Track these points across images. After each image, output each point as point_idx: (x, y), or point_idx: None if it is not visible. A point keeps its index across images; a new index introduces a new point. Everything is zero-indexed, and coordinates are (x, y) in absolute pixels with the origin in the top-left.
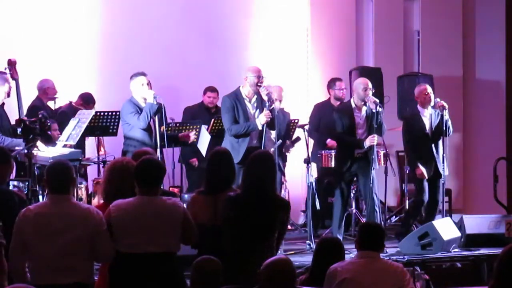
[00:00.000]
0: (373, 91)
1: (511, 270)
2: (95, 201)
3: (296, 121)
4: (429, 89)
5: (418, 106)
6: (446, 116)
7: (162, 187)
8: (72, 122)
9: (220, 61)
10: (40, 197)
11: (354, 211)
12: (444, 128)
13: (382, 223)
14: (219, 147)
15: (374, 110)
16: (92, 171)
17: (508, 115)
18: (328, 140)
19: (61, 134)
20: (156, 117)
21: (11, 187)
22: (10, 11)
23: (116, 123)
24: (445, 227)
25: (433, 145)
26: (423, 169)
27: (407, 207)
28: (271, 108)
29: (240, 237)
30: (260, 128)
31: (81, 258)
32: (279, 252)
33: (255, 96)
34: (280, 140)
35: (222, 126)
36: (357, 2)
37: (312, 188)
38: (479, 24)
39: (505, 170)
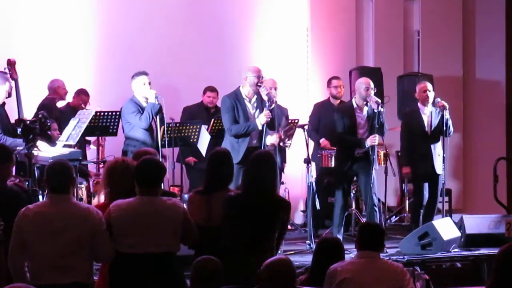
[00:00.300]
0: (375, 90)
1: (508, 269)
2: (95, 201)
3: (296, 121)
4: (429, 87)
5: (419, 104)
6: (447, 116)
7: (162, 187)
8: (72, 122)
9: (220, 61)
10: (40, 197)
11: (354, 211)
12: (444, 128)
13: (382, 223)
14: (219, 147)
15: (375, 110)
16: (92, 171)
17: (508, 115)
18: (322, 140)
19: (61, 134)
20: (157, 117)
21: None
22: (9, 11)
23: (116, 123)
24: (445, 227)
25: (431, 144)
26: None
27: (407, 208)
28: (271, 108)
29: (240, 237)
30: (260, 128)
31: (81, 258)
32: (279, 252)
33: (255, 96)
34: (276, 133)
35: (222, 126)
36: (357, 2)
37: (312, 188)
38: (479, 24)
39: (505, 170)
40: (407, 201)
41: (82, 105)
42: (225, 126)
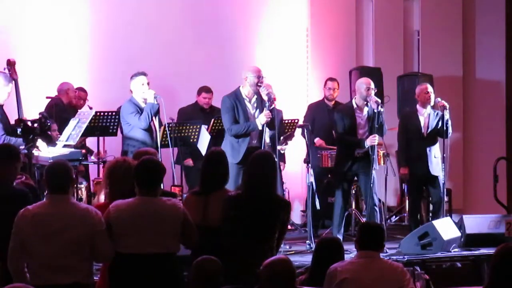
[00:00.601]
0: (376, 90)
1: (505, 268)
2: (95, 201)
3: (296, 121)
4: (430, 89)
5: (418, 105)
6: (447, 116)
7: (163, 187)
8: (72, 122)
9: (220, 61)
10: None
11: (354, 211)
12: (444, 128)
13: (382, 223)
14: (215, 147)
15: (375, 110)
16: (92, 171)
17: (508, 115)
18: (317, 140)
19: (60, 134)
20: (157, 117)
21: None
22: (9, 11)
23: (116, 123)
24: (445, 227)
25: (427, 146)
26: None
27: (407, 208)
28: (271, 108)
29: (241, 237)
30: (260, 128)
31: (80, 258)
32: (279, 252)
33: (255, 96)
34: (274, 132)
35: (222, 126)
36: (357, 2)
37: (312, 188)
38: (479, 24)
39: (505, 170)
40: (407, 201)
41: (81, 101)
42: (225, 126)
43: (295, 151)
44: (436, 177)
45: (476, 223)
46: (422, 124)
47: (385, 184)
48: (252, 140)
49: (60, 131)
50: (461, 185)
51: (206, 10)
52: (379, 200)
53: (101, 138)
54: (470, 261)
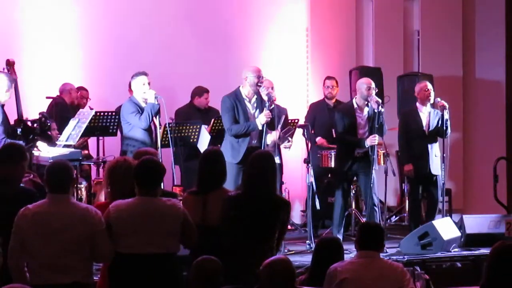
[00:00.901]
0: (376, 90)
1: (502, 266)
2: (95, 201)
3: (296, 121)
4: (429, 86)
5: (417, 103)
6: (446, 116)
7: (163, 187)
8: (72, 122)
9: (219, 61)
10: None
11: (354, 211)
12: (443, 128)
13: (382, 223)
14: (212, 146)
15: (376, 110)
16: (92, 171)
17: (508, 115)
18: (318, 139)
19: (60, 134)
20: (157, 117)
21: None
22: (9, 11)
23: (115, 123)
24: (445, 227)
25: (428, 144)
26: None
27: (407, 208)
28: (271, 108)
29: (240, 237)
30: (260, 128)
31: (80, 258)
32: (279, 251)
33: (255, 96)
34: (277, 132)
35: (222, 126)
36: (357, 2)
37: (312, 188)
38: (479, 24)
39: (505, 170)
40: (407, 201)
41: (84, 100)
42: (225, 126)
43: (295, 151)
44: (435, 177)
45: (476, 223)
46: (423, 122)
47: (385, 184)
48: (252, 140)
49: (63, 130)
50: (461, 185)
51: (206, 10)
52: (379, 200)
53: (101, 138)
54: (470, 261)
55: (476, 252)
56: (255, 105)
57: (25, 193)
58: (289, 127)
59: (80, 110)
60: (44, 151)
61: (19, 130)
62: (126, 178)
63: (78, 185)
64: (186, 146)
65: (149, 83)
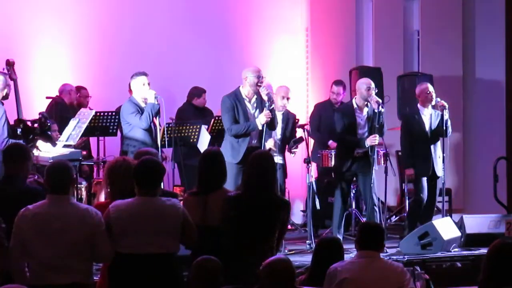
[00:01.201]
0: (376, 91)
1: (500, 264)
2: (95, 201)
3: (296, 121)
4: (431, 88)
5: (419, 105)
6: (446, 116)
7: (163, 187)
8: (72, 122)
9: (219, 61)
10: None
11: (354, 211)
12: (444, 128)
13: (382, 223)
14: (211, 147)
15: (376, 110)
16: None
17: (508, 115)
18: (330, 142)
19: (60, 134)
20: (157, 117)
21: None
22: (9, 11)
23: (116, 123)
24: (445, 227)
25: (431, 146)
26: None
27: (407, 208)
28: (271, 108)
29: (241, 237)
30: (260, 128)
31: (80, 258)
32: (279, 252)
33: (255, 96)
34: (280, 137)
35: (222, 126)
36: (357, 2)
37: (312, 188)
38: (479, 24)
39: (505, 170)
40: (407, 201)
41: (86, 99)
42: (225, 126)
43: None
44: (437, 178)
45: (476, 223)
46: (426, 124)
47: (385, 184)
48: (252, 140)
49: (62, 130)
50: (461, 185)
51: (207, 10)
52: (379, 200)
53: (101, 138)
54: (470, 261)
55: (476, 252)
56: (255, 105)
57: (31, 192)
58: (301, 136)
59: (81, 110)
60: (44, 151)
61: (19, 130)
62: (125, 178)
63: (78, 185)
64: (186, 146)
65: (149, 84)
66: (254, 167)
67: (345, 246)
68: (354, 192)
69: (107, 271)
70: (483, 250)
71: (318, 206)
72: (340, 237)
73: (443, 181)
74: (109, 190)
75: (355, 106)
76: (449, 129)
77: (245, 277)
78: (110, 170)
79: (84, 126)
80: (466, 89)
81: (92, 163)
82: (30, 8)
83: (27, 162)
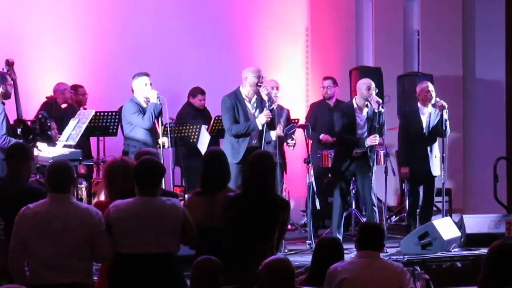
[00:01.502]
0: (377, 91)
1: (501, 264)
2: (96, 201)
3: (296, 121)
4: (431, 87)
5: (418, 104)
6: (446, 116)
7: (164, 187)
8: (72, 122)
9: (219, 61)
10: None
11: (354, 211)
12: (443, 128)
13: (382, 223)
14: (214, 147)
15: (376, 110)
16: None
17: (508, 115)
18: (322, 135)
19: (60, 134)
20: (159, 117)
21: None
22: (9, 11)
23: (116, 123)
24: (445, 227)
25: (428, 145)
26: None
27: (407, 208)
28: (271, 108)
29: (241, 237)
30: (260, 128)
31: (80, 258)
32: (279, 252)
33: (255, 96)
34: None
35: (222, 126)
36: (357, 2)
37: (312, 188)
38: (479, 24)
39: (505, 170)
40: (407, 201)
41: (84, 97)
42: (225, 126)
43: (295, 151)
44: (433, 178)
45: (476, 223)
46: (424, 123)
47: (385, 184)
48: (252, 140)
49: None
50: (461, 185)
51: (206, 10)
52: (379, 200)
53: (101, 138)
54: (470, 261)
55: (476, 252)
56: (255, 105)
57: (32, 191)
58: (292, 124)
59: (80, 110)
60: (44, 151)
61: (19, 130)
62: (124, 178)
63: (78, 185)
64: (186, 146)
65: (150, 84)
66: (254, 167)
67: (345, 246)
68: (354, 192)
69: (107, 271)
70: (483, 250)
71: (318, 206)
72: (340, 237)
73: (443, 181)
74: (108, 190)
75: (355, 106)
76: (448, 129)
77: (245, 277)
78: (108, 171)
79: (84, 126)
80: (466, 89)
81: (92, 163)
82: (30, 8)
83: (29, 162)
